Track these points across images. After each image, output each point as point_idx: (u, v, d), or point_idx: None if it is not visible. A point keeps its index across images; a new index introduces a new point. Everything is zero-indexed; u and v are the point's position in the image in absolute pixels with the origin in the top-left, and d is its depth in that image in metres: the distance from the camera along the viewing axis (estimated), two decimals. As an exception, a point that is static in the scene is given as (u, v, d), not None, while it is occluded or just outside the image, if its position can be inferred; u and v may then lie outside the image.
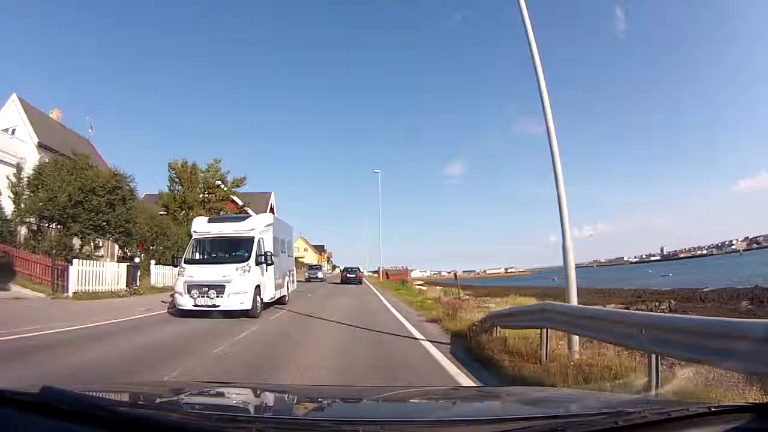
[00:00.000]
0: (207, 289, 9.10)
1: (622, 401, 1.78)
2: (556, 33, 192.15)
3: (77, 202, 15.15)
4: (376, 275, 72.55)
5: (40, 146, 20.43)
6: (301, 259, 72.55)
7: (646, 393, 3.06)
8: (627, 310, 9.33)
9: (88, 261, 14.85)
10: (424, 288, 35.59)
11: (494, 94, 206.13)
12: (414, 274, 76.38)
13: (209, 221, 11.40)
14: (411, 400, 1.87)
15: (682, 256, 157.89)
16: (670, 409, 1.20)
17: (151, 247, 20.50)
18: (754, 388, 3.26)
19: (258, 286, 9.66)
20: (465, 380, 4.64)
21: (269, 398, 1.83)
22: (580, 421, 1.17)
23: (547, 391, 2.44)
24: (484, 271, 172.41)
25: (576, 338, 5.19)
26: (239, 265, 9.53)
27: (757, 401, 1.80)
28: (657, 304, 18.46)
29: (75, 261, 14.00)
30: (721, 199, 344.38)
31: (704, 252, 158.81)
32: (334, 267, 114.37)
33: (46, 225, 15.81)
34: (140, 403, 1.39)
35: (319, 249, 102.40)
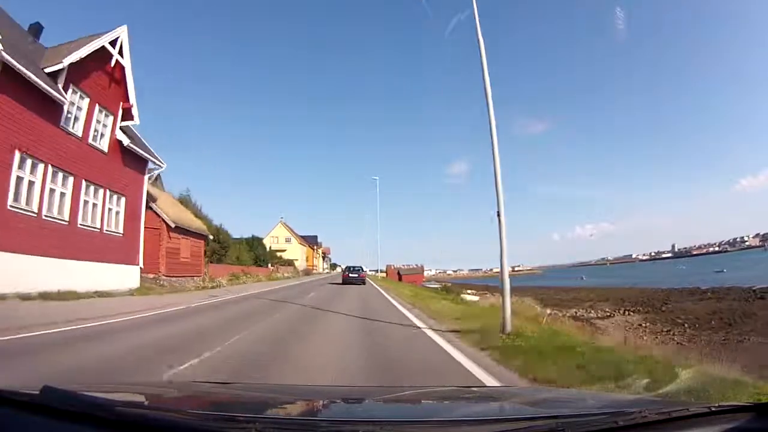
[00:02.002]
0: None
1: (622, 401, 1.77)
2: (557, 32, 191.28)
3: None
4: (382, 274, 61.71)
5: None
6: (281, 254, 54.88)
7: (646, 393, 3.03)
8: None
9: None
10: (475, 298, 24.60)
11: (496, 93, 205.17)
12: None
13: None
14: (411, 401, 1.87)
15: (695, 253, 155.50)
16: (670, 409, 1.20)
17: None
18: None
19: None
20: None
21: (269, 398, 1.84)
22: (580, 421, 1.16)
23: (547, 391, 2.43)
24: (491, 269, 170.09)
25: None
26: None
27: (757, 401, 1.77)
28: None
29: None
30: (722, 197, 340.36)
31: (717, 249, 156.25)
32: (333, 266, 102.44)
33: None
34: (140, 403, 1.40)
35: (310, 241, 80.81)
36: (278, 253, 53.39)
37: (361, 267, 31.31)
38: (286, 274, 46.06)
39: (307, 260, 74.18)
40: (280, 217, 72.32)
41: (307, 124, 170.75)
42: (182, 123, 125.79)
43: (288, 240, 68.92)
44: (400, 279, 53.86)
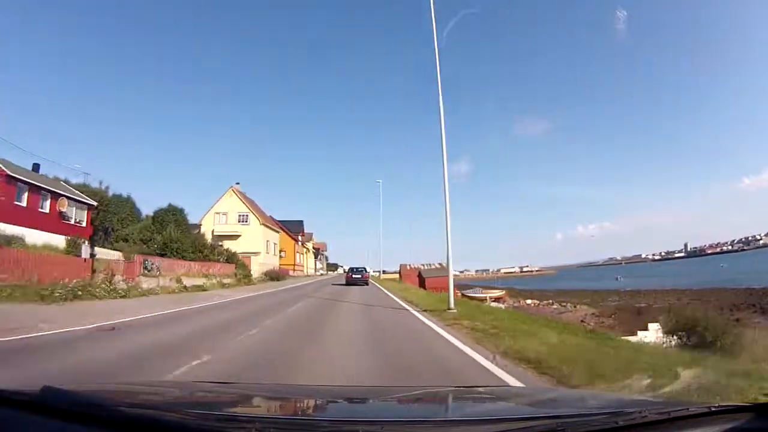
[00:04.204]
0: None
1: (622, 401, 1.76)
2: (557, 31, 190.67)
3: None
4: (389, 275, 48.81)
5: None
6: (231, 241, 35.06)
7: (646, 393, 2.99)
8: None
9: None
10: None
11: (498, 93, 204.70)
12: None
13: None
14: (412, 401, 1.87)
15: (709, 252, 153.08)
16: (670, 409, 1.19)
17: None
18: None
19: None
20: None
21: (269, 398, 1.85)
22: (580, 421, 1.16)
23: (548, 391, 2.42)
24: (498, 270, 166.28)
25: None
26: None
27: (757, 401, 1.74)
28: None
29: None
30: (724, 196, 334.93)
31: (730, 248, 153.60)
32: (332, 266, 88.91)
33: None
34: (140, 403, 1.41)
35: (291, 228, 55.18)
36: (225, 241, 34.54)
37: (364, 268, 33.08)
38: (191, 283, 19.70)
39: (283, 254, 49.71)
40: (235, 182, 43.23)
41: (307, 125, 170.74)
42: (181, 123, 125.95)
43: (243, 219, 40.77)
44: (422, 285, 37.01)
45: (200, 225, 38.01)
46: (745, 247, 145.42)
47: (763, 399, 2.86)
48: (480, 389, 2.26)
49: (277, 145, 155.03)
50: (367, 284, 29.15)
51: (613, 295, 38.99)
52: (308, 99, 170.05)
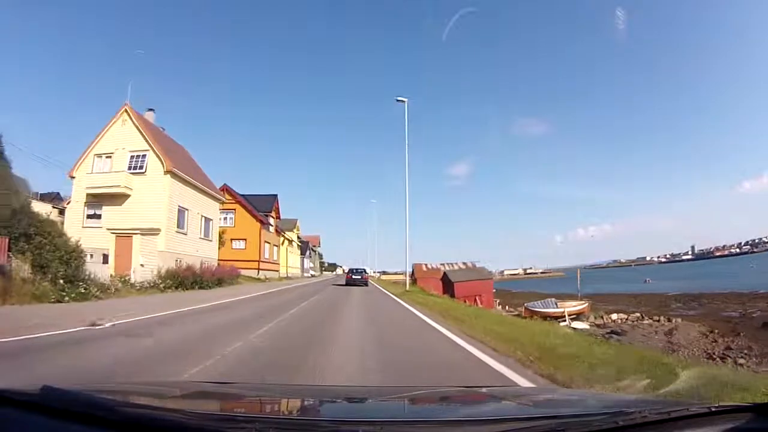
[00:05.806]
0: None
1: (622, 401, 1.76)
2: (557, 33, 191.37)
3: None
4: (392, 276, 40.04)
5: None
6: (113, 208, 19.73)
7: (646, 393, 2.98)
8: None
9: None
10: None
11: (496, 94, 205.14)
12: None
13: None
14: (412, 401, 1.86)
15: (717, 254, 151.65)
16: (670, 409, 1.19)
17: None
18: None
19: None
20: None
21: (269, 398, 1.86)
22: (580, 421, 1.16)
23: (548, 391, 2.40)
24: (502, 272, 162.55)
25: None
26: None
27: (757, 401, 1.72)
28: None
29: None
30: (723, 199, 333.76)
31: (737, 250, 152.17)
32: (330, 266, 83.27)
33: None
34: (140, 403, 1.41)
35: (254, 205, 35.69)
36: (106, 207, 20.61)
37: (364, 269, 34.06)
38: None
39: (240, 244, 33.67)
40: (147, 108, 24.55)
41: (308, 125, 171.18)
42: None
43: (137, 166, 20.85)
44: (448, 292, 28.43)
45: (72, 178, 21.02)
46: (754, 249, 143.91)
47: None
48: (480, 389, 2.26)
49: (278, 146, 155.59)
50: (366, 285, 29.26)
51: (670, 299, 31.68)
52: (308, 99, 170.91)
